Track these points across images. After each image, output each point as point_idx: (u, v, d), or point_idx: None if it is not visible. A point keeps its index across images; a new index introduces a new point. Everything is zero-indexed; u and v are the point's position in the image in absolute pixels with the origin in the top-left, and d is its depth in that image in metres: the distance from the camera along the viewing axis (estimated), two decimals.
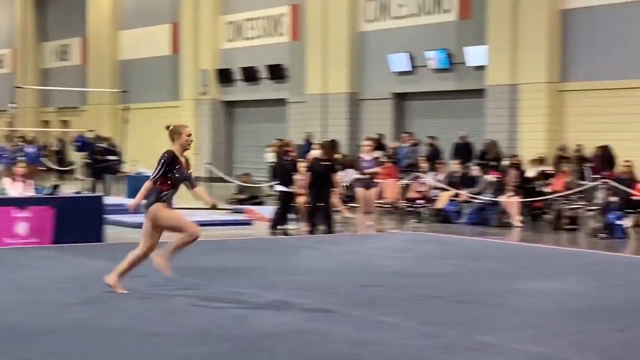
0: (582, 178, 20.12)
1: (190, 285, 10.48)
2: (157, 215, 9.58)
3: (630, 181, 18.73)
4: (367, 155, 17.46)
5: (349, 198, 19.50)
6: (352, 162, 21.63)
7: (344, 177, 21.42)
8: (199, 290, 10.16)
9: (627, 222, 17.76)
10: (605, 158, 21.44)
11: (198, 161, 33.38)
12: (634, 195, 18.14)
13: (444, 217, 20.22)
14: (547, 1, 24.01)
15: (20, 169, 16.17)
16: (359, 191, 17.25)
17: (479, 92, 25.71)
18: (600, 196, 18.38)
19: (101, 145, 27.11)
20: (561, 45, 24.12)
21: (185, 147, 9.72)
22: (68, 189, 19.66)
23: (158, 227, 9.71)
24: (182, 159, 9.64)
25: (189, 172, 9.80)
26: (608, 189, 18.29)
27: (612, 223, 17.40)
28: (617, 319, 8.83)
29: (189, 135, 9.80)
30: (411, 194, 21.57)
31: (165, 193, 9.60)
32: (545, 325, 8.47)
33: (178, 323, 8.33)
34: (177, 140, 9.73)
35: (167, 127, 9.90)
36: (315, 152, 17.70)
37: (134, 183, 24.00)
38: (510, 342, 7.69)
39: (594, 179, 19.28)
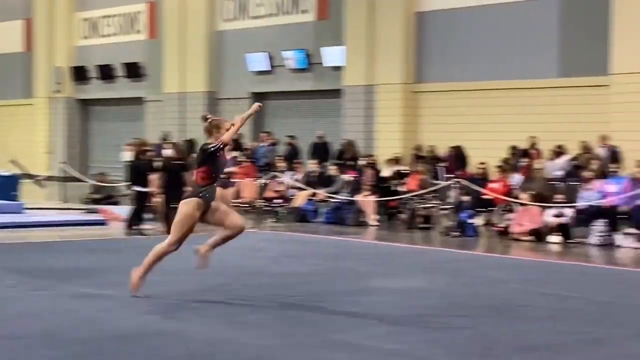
0: (436, 177, 20.54)
1: (42, 286, 10.25)
2: (181, 207, 9.37)
3: (482, 181, 19.23)
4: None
5: None
6: None
7: None
8: (52, 292, 9.94)
9: (478, 221, 18.25)
10: (458, 158, 21.95)
11: (52, 160, 32.72)
12: (485, 194, 18.63)
13: (301, 216, 20.33)
14: (403, 3, 24.42)
15: None
16: (217, 190, 17.18)
17: (336, 92, 25.95)
18: (453, 195, 18.82)
19: None
20: (416, 47, 24.57)
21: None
22: None
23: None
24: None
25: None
26: (460, 188, 18.74)
27: (464, 221, 17.84)
28: (468, 315, 9.05)
29: (229, 129, 9.52)
30: (269, 193, 21.62)
31: (205, 189, 9.38)
32: (398, 323, 8.61)
33: (29, 325, 8.13)
34: (216, 135, 9.44)
35: (205, 119, 9.54)
36: (168, 152, 17.60)
37: None
38: (364, 339, 7.78)
39: (448, 179, 19.71)
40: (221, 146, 9.33)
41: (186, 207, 9.39)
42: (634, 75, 20.05)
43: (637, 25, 20.13)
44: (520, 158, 20.53)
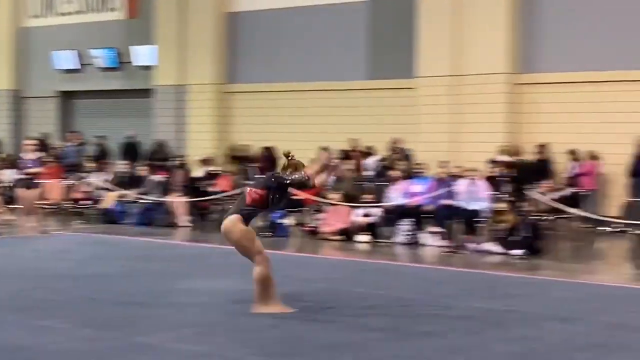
0: (248, 178, 20.55)
1: None
2: (234, 232, 9.06)
3: None
4: (29, 155, 16.89)
5: (10, 199, 18.79)
6: (13, 162, 20.85)
7: (6, 177, 20.64)
8: None
9: (289, 221, 18.36)
10: (269, 158, 22.06)
11: None
12: (296, 194, 18.74)
13: (110, 218, 19.94)
14: (214, 4, 24.36)
15: None
16: (21, 192, 16.66)
17: (147, 92, 25.65)
18: None
19: None
20: (228, 48, 24.55)
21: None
22: None
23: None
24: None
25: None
26: None
27: (276, 222, 17.91)
28: (276, 315, 9.05)
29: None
30: (76, 194, 21.12)
31: (248, 210, 9.09)
32: (205, 324, 8.54)
33: None
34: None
35: (288, 155, 9.41)
36: None
37: None
38: (170, 341, 7.68)
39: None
40: (304, 179, 9.17)
41: (235, 227, 9.04)
42: (438, 78, 20.69)
43: (441, 30, 20.78)
44: (342, 159, 20.85)
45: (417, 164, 19.13)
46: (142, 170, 21.22)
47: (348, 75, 22.60)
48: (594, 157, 19.37)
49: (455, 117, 20.62)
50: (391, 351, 7.56)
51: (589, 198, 19.05)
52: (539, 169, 19.35)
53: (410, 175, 18.07)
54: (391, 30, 22.20)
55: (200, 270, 12.52)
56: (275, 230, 17.76)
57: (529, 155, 19.80)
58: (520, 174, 18.30)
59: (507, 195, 16.63)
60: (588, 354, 7.60)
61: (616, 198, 18.93)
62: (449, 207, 16.68)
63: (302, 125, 23.01)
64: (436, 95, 20.71)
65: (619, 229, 17.67)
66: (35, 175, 16.73)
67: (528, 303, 10.25)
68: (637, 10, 19.53)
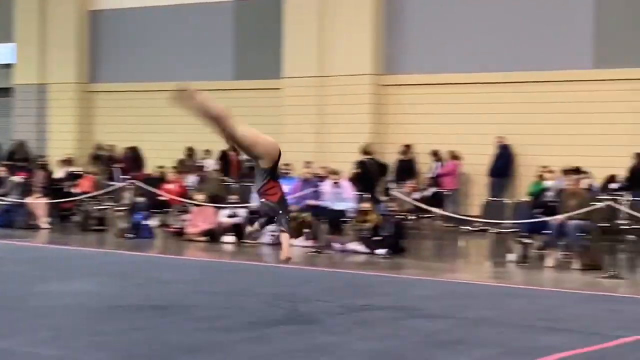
0: (112, 178, 20.22)
1: None
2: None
3: (159, 182, 19.13)
4: None
5: None
6: None
7: None
8: None
9: (153, 222, 18.13)
10: (134, 159, 21.75)
11: None
12: (161, 195, 18.54)
13: None
14: (76, 1, 23.89)
15: None
16: None
17: (6, 91, 24.99)
18: (127, 197, 18.56)
19: None
20: (90, 46, 24.11)
21: None
22: None
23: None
24: None
25: None
26: (135, 189, 18.52)
27: (139, 223, 17.63)
28: (137, 317, 8.90)
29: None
30: None
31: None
32: (64, 327, 8.33)
33: None
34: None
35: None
36: None
37: None
38: (26, 346, 7.45)
39: (123, 180, 19.44)
40: None
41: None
42: (304, 79, 20.77)
43: (307, 31, 20.87)
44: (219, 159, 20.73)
45: (283, 164, 19.12)
46: (1, 170, 20.64)
47: (214, 75, 22.45)
48: (455, 157, 19.74)
49: (321, 117, 20.72)
50: (253, 352, 7.50)
51: (451, 197, 19.42)
52: (404, 169, 19.63)
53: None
54: (257, 30, 22.17)
55: (60, 272, 12.24)
56: (139, 232, 17.47)
57: (394, 155, 20.04)
58: (372, 174, 18.51)
59: (369, 195, 16.79)
60: (449, 350, 7.70)
61: (477, 197, 19.32)
62: (315, 207, 16.73)
63: (167, 126, 22.74)
64: (302, 96, 20.77)
65: (479, 228, 18.04)
66: None
67: (391, 301, 10.35)
68: (496, 14, 19.97)
